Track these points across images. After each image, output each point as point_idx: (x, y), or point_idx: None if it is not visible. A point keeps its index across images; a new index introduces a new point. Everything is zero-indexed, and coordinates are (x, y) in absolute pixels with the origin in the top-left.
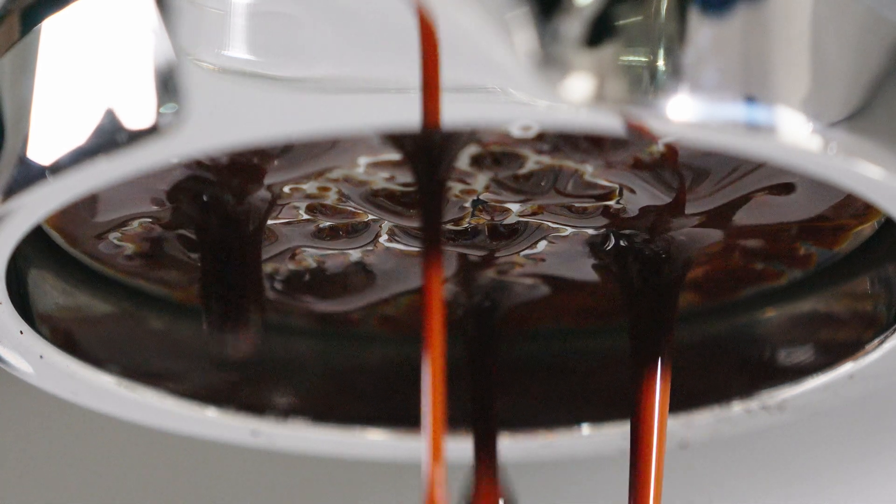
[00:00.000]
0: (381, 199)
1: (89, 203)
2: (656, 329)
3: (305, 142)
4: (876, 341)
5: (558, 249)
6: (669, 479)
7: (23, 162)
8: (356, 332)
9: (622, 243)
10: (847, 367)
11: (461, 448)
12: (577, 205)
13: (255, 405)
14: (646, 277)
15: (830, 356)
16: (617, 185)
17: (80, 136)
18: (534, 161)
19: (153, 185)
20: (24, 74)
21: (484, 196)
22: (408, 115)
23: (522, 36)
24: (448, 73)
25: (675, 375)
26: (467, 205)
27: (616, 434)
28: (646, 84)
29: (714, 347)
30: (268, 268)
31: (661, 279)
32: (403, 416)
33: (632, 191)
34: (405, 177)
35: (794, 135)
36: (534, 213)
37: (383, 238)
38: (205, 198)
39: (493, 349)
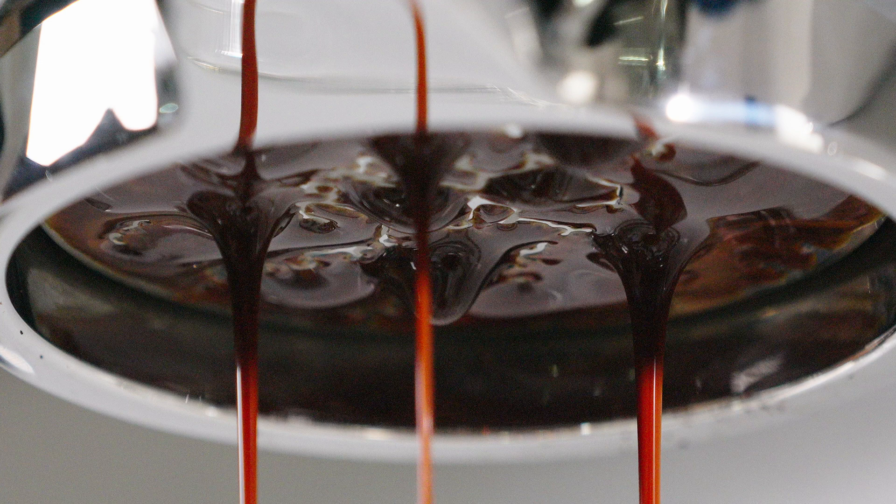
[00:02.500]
0: (379, 200)
1: (92, 202)
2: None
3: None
4: (876, 341)
5: (558, 249)
6: (669, 479)
7: (23, 162)
8: (356, 332)
9: (623, 245)
10: (847, 367)
11: (458, 448)
12: (577, 205)
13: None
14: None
15: (830, 356)
16: (617, 185)
17: (80, 136)
18: (533, 161)
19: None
20: (24, 74)
21: (483, 197)
22: (408, 116)
23: (522, 36)
24: (448, 73)
25: (675, 375)
26: (469, 205)
27: (616, 434)
28: (646, 84)
29: (714, 347)
30: (268, 267)
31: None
32: (403, 416)
33: (631, 187)
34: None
35: (794, 135)
36: (534, 214)
37: (383, 238)
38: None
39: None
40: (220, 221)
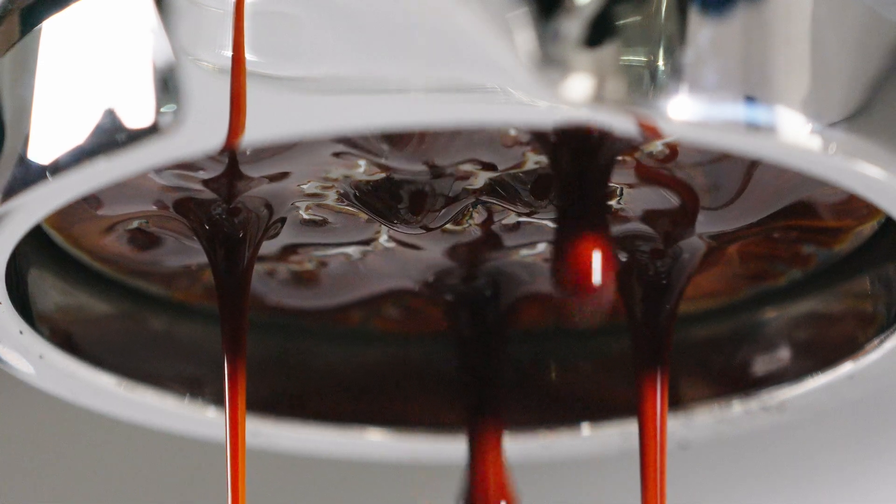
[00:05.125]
0: (376, 197)
1: (92, 200)
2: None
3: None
4: (876, 341)
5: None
6: (669, 480)
7: (23, 162)
8: (356, 331)
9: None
10: (847, 367)
11: (458, 448)
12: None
13: (255, 405)
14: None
15: (830, 356)
16: (617, 186)
17: (80, 136)
18: (533, 161)
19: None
20: (24, 74)
21: (483, 197)
22: (408, 116)
23: (522, 36)
24: (448, 73)
25: (675, 375)
26: (469, 204)
27: (616, 434)
28: (646, 84)
29: (714, 347)
30: (265, 267)
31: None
32: (403, 416)
33: (630, 187)
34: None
35: (794, 135)
36: (533, 213)
37: (383, 238)
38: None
39: (493, 346)
40: (206, 226)
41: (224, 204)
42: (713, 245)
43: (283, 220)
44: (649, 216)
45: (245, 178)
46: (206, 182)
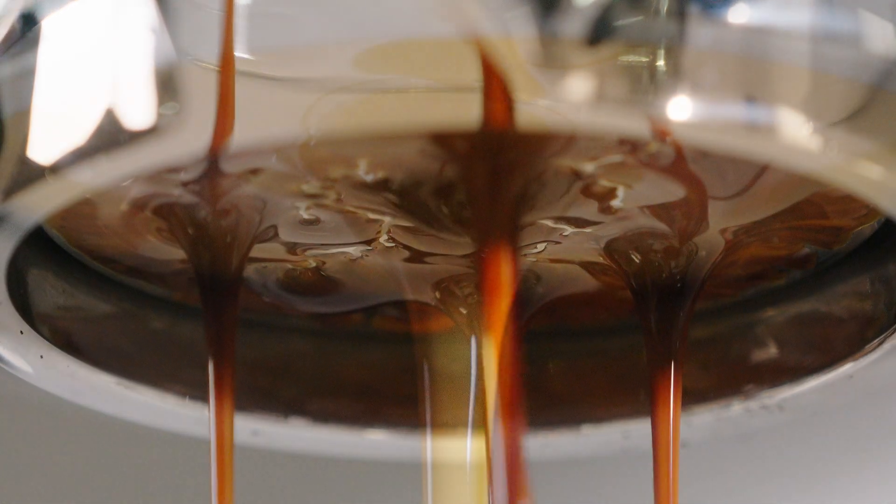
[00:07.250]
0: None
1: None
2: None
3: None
4: (876, 341)
5: (560, 249)
6: None
7: (23, 162)
8: (356, 332)
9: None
10: (847, 367)
11: (458, 448)
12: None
13: (255, 405)
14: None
15: (830, 356)
16: (617, 185)
17: (80, 136)
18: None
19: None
20: (25, 74)
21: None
22: (407, 117)
23: (522, 36)
24: (448, 73)
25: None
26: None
27: (616, 434)
28: (646, 84)
29: (714, 347)
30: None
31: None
32: (403, 416)
33: (629, 187)
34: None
35: (794, 135)
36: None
37: (383, 238)
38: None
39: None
40: (190, 230)
41: (212, 205)
42: (732, 241)
43: (276, 224)
44: (649, 213)
45: (229, 176)
46: (187, 183)
